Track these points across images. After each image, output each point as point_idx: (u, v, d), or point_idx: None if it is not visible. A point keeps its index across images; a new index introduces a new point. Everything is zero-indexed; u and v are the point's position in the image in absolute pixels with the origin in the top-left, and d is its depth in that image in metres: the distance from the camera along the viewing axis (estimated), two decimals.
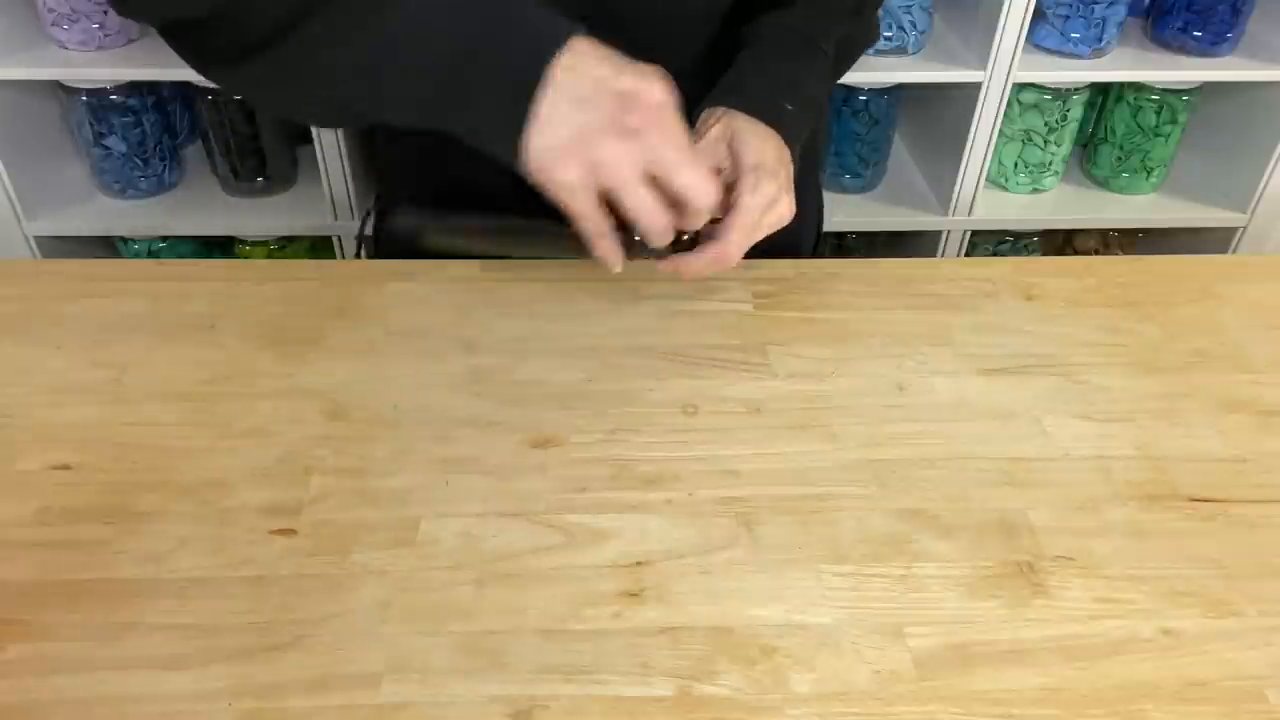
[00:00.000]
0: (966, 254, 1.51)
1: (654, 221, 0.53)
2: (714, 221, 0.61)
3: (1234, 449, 0.64)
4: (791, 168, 0.64)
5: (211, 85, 1.30)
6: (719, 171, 0.63)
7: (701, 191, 0.53)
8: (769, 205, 0.62)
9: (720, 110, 0.62)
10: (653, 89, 0.50)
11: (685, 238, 0.61)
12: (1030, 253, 1.58)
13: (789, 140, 0.64)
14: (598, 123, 0.50)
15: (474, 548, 0.56)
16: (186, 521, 0.57)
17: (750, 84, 0.64)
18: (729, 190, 0.62)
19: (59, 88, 1.35)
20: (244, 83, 0.55)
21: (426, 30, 0.49)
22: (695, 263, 0.62)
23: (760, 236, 0.62)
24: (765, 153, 0.62)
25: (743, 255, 0.62)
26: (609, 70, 0.50)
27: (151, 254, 1.47)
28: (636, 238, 0.58)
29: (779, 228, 0.63)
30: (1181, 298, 0.77)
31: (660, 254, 0.61)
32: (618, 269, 0.58)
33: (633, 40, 0.66)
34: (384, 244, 0.87)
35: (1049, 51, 1.35)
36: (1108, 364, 0.71)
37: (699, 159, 0.52)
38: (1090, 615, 0.54)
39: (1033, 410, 0.66)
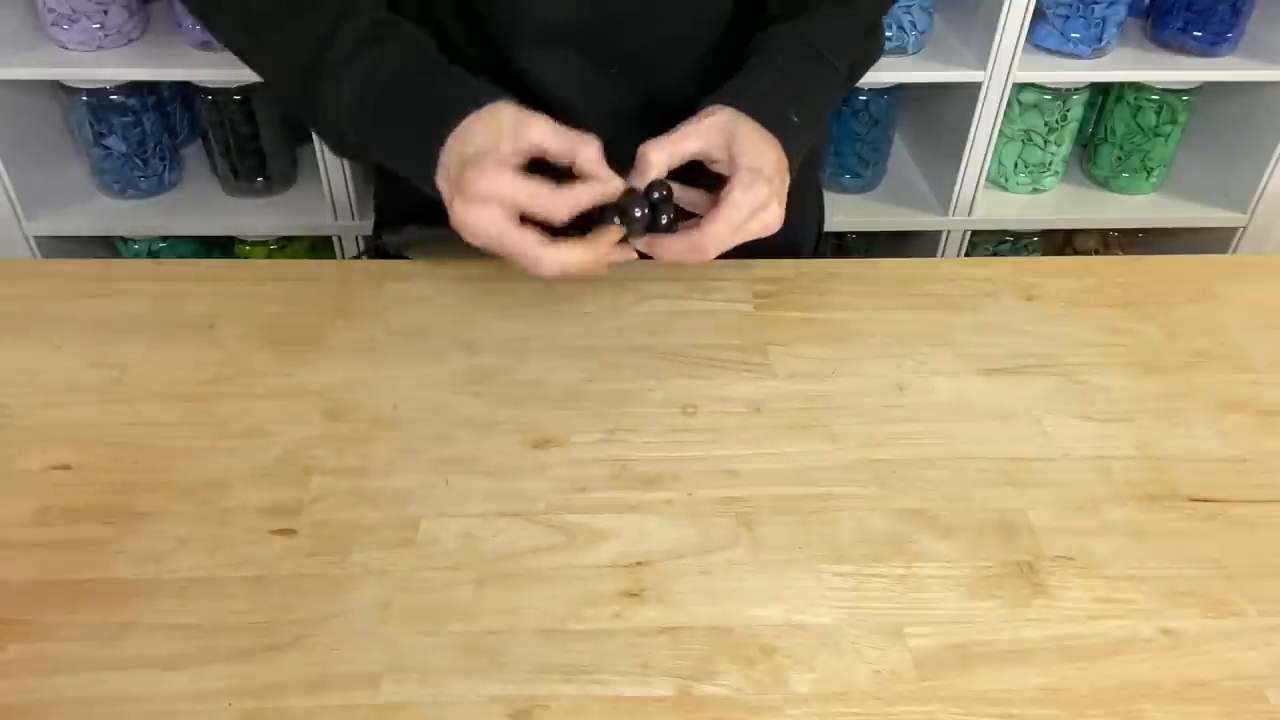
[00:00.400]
0: (966, 254, 1.51)
1: (536, 253, 0.57)
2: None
3: (1234, 449, 0.64)
4: (788, 178, 0.63)
5: (211, 85, 1.30)
6: (711, 161, 0.62)
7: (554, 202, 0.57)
8: (759, 208, 0.60)
9: (725, 108, 0.62)
10: (482, 179, 0.55)
11: (665, 221, 0.60)
12: (1030, 253, 1.58)
13: (790, 152, 0.63)
14: (449, 201, 0.57)
15: (474, 548, 0.56)
16: (186, 521, 0.57)
17: (758, 88, 0.64)
18: (721, 186, 0.61)
19: (59, 88, 1.35)
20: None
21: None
22: (671, 245, 0.60)
23: (743, 239, 0.61)
24: (764, 157, 0.61)
25: (720, 253, 0.61)
26: (453, 155, 0.57)
27: (151, 254, 1.47)
28: (615, 220, 0.58)
29: (765, 235, 0.62)
30: (1181, 298, 0.77)
31: (636, 232, 0.60)
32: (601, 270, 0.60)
33: (632, 55, 0.66)
34: (383, 256, 0.87)
35: (1049, 51, 1.35)
36: (1108, 364, 0.71)
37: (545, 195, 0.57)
38: (1090, 615, 0.54)
39: (1033, 410, 0.66)
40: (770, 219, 0.61)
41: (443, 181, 0.58)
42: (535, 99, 0.67)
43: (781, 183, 0.62)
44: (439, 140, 0.57)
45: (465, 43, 0.69)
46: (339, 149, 0.65)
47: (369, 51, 0.60)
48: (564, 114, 0.67)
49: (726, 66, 0.67)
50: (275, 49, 0.63)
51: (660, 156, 0.60)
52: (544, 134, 0.57)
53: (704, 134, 0.61)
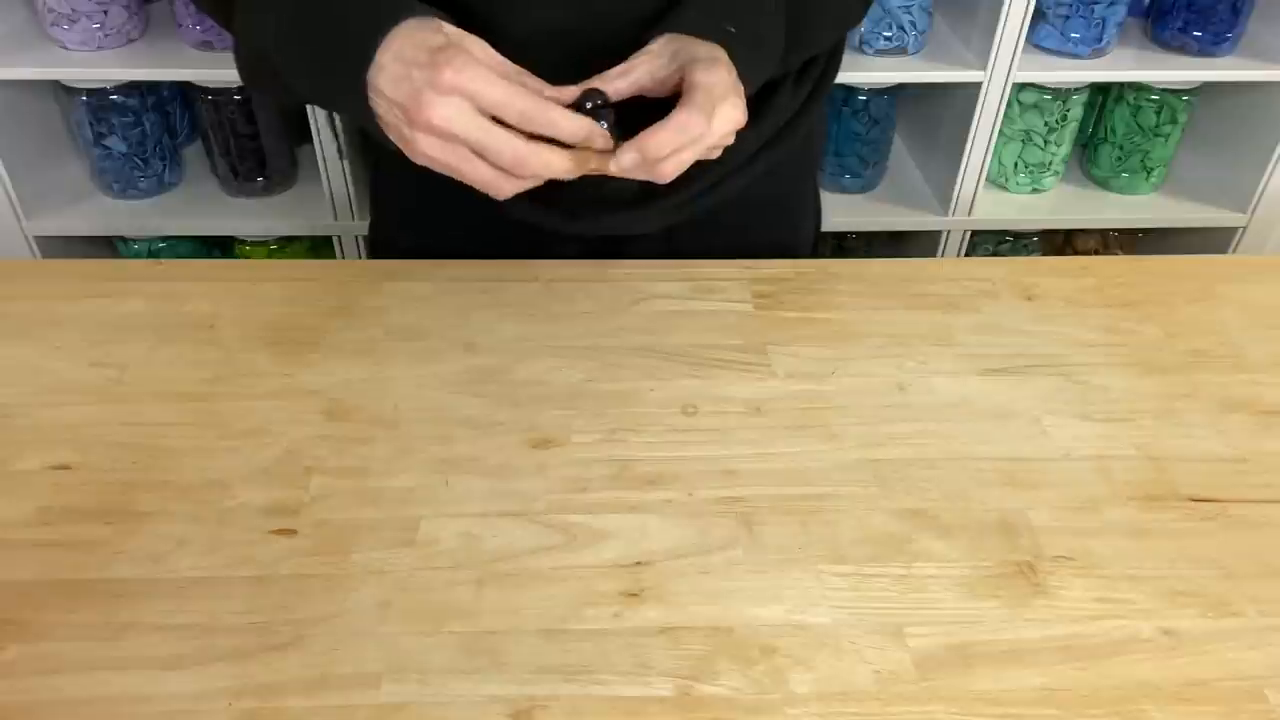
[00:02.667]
0: (966, 254, 1.51)
1: (516, 153, 0.52)
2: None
3: (1234, 449, 0.64)
4: (742, 89, 0.59)
5: (211, 85, 1.30)
6: (664, 85, 0.58)
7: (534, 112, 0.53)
8: (727, 92, 0.56)
9: (661, 35, 0.59)
10: (452, 57, 0.51)
11: (604, 126, 0.56)
12: (1030, 253, 1.58)
13: (737, 65, 0.59)
14: (414, 93, 0.51)
15: (474, 548, 0.56)
16: (186, 521, 0.57)
17: (687, 13, 0.60)
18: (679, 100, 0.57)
19: (59, 88, 1.35)
20: None
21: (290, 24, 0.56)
22: (660, 134, 0.55)
23: (714, 140, 0.56)
24: (717, 67, 0.57)
25: (675, 166, 0.56)
26: (418, 45, 0.52)
27: (151, 254, 1.47)
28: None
29: (732, 131, 0.58)
30: (1181, 298, 0.77)
31: (611, 149, 0.56)
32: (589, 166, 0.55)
33: (616, 56, 0.66)
34: (384, 242, 0.87)
35: (1049, 51, 1.35)
36: (1108, 364, 0.71)
37: (522, 93, 0.52)
38: (1090, 615, 0.54)
39: (1033, 410, 0.66)
40: (739, 115, 0.57)
41: (391, 83, 0.53)
42: (508, 35, 0.65)
43: (738, 92, 0.58)
44: (373, 45, 0.53)
45: None
46: (254, 76, 0.61)
47: None
48: (535, 54, 0.63)
49: None
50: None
51: (606, 86, 0.57)
52: (482, 53, 0.54)
53: (648, 58, 0.57)
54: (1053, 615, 0.54)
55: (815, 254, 0.93)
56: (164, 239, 1.46)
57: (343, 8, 0.55)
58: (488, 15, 0.64)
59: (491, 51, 0.55)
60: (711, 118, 0.55)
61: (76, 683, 0.49)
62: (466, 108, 0.51)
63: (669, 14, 0.62)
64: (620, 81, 0.57)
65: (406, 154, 0.54)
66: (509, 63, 0.55)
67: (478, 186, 0.54)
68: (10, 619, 0.52)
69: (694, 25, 0.59)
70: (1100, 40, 1.33)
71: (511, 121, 0.53)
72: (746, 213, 0.72)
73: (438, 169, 0.54)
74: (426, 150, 0.53)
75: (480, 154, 0.53)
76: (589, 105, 0.56)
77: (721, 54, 0.58)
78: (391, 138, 0.55)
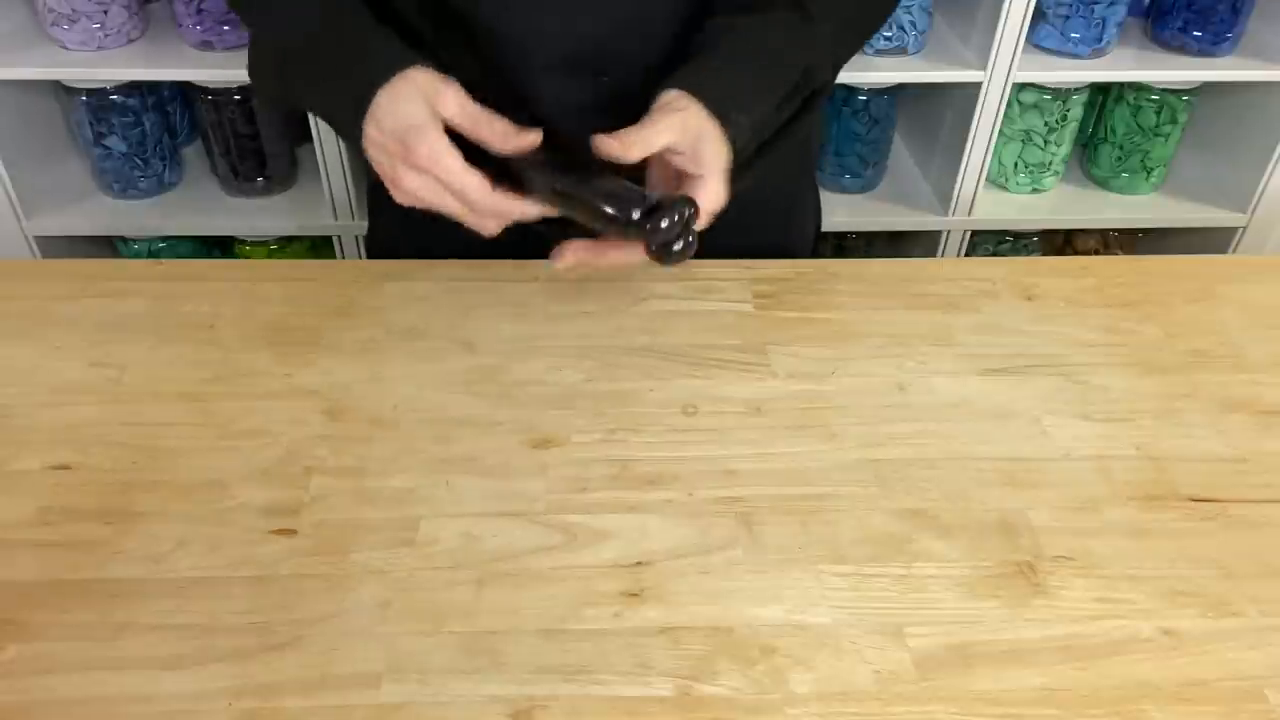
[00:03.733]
0: (966, 254, 1.51)
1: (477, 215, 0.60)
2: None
3: (1234, 449, 0.64)
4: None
5: (211, 85, 1.30)
6: (673, 154, 0.61)
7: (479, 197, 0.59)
8: (723, 172, 0.61)
9: (692, 102, 0.61)
10: (422, 142, 0.58)
11: (685, 243, 0.59)
12: (1030, 253, 1.58)
13: (733, 146, 0.62)
14: (390, 168, 0.60)
15: (474, 548, 0.56)
16: (185, 521, 0.57)
17: (721, 85, 0.62)
18: (664, 170, 0.62)
19: (59, 88, 1.35)
20: None
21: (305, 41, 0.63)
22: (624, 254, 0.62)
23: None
24: (721, 158, 0.61)
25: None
26: (397, 119, 0.59)
27: (151, 254, 1.47)
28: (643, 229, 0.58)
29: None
30: (1181, 298, 0.77)
31: (663, 251, 0.59)
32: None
33: (623, 64, 0.66)
34: (384, 242, 0.87)
35: (1049, 51, 1.35)
36: (1108, 364, 0.71)
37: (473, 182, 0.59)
38: (1090, 615, 0.54)
39: (1033, 410, 0.66)
40: (724, 194, 0.62)
41: (378, 151, 0.60)
42: (532, 114, 0.68)
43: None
44: (360, 120, 0.60)
45: (460, 59, 0.69)
46: (266, 92, 0.69)
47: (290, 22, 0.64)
48: (555, 124, 0.67)
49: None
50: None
51: (639, 153, 0.59)
52: (452, 112, 0.60)
53: (675, 129, 0.59)
54: (1053, 615, 0.54)
55: (815, 254, 0.93)
56: (164, 239, 1.46)
57: (336, 61, 0.62)
58: (496, 25, 0.64)
59: (463, 101, 0.60)
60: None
61: (75, 683, 0.49)
62: (434, 183, 0.59)
63: (704, 75, 0.63)
64: (646, 150, 0.59)
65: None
66: (476, 110, 0.61)
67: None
68: (9, 619, 0.52)
69: (718, 108, 0.61)
70: (1100, 40, 1.33)
71: (466, 205, 0.60)
72: (746, 213, 0.71)
73: (418, 203, 0.61)
74: (405, 200, 0.61)
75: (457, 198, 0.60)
76: (687, 213, 0.58)
77: (725, 153, 0.61)
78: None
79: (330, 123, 0.65)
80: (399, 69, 0.60)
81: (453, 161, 0.58)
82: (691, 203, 0.58)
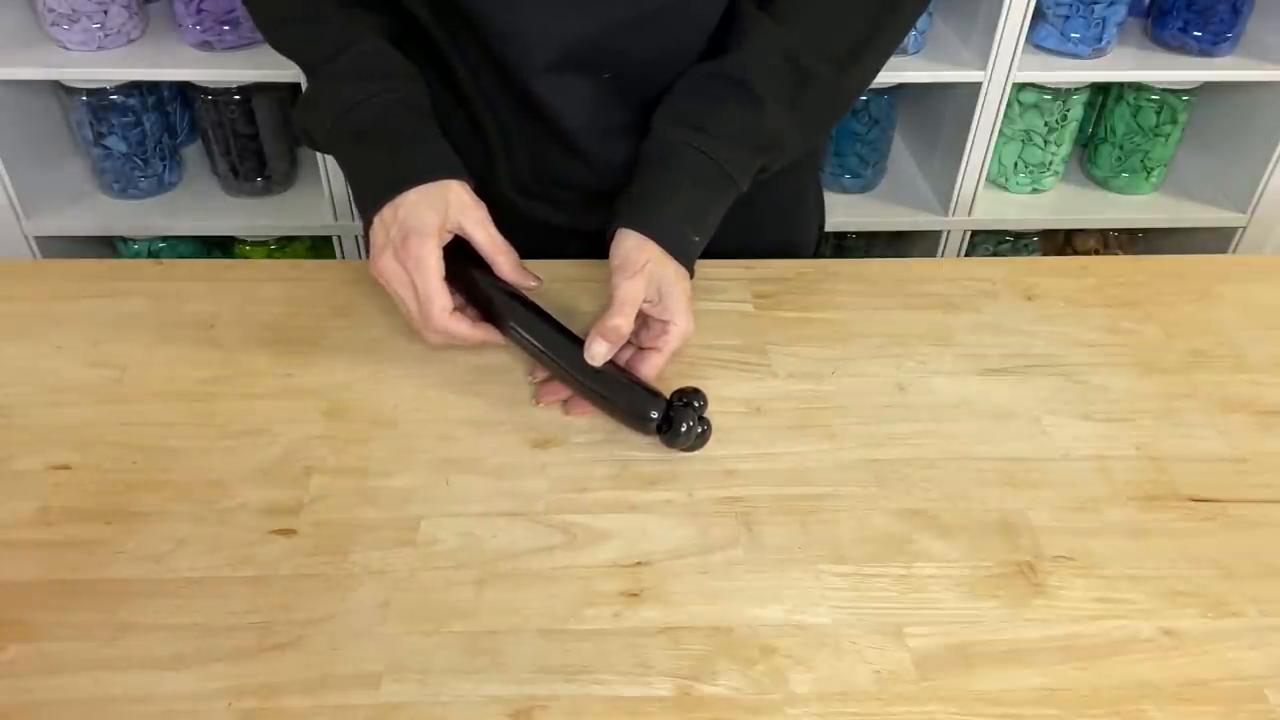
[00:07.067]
0: (966, 254, 1.51)
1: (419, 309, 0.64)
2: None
3: (1234, 449, 0.64)
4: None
5: (211, 85, 1.30)
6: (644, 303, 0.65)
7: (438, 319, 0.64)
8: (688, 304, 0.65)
9: (646, 244, 0.64)
10: (420, 245, 0.62)
11: (689, 428, 0.61)
12: (1030, 253, 1.58)
13: (686, 264, 0.66)
14: (385, 242, 0.63)
15: (474, 548, 0.56)
16: (186, 521, 0.57)
17: (666, 217, 0.65)
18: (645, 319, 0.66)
19: (59, 88, 1.35)
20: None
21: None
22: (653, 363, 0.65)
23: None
24: (684, 296, 0.65)
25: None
26: (411, 218, 0.63)
27: (151, 254, 1.47)
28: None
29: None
30: (1181, 298, 0.77)
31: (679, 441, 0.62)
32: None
33: (628, 63, 0.67)
34: None
35: (1049, 51, 1.35)
36: (1108, 364, 0.71)
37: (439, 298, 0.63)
38: (1090, 615, 0.54)
39: (1033, 410, 0.66)
40: (691, 327, 0.66)
41: (380, 227, 0.64)
42: (536, 111, 0.68)
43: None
44: (384, 199, 0.64)
45: (465, 56, 0.69)
46: (303, 136, 0.70)
47: (357, 83, 0.66)
48: (561, 124, 0.69)
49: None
50: (292, 41, 0.71)
51: (625, 334, 0.63)
52: (474, 230, 0.64)
53: (641, 290, 0.63)
54: (1053, 615, 0.54)
55: (817, 254, 0.93)
56: (164, 239, 1.46)
57: (391, 141, 0.66)
58: (502, 26, 0.64)
59: (488, 224, 0.65)
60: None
61: (76, 683, 0.49)
62: (406, 281, 0.63)
63: (648, 207, 0.66)
64: (631, 320, 0.63)
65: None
66: (498, 236, 0.66)
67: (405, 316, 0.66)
68: (10, 619, 0.52)
69: (670, 242, 0.65)
70: (1100, 40, 1.33)
71: (422, 313, 0.64)
72: (749, 214, 0.72)
73: (383, 284, 0.65)
74: (374, 272, 0.64)
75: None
76: (698, 405, 0.62)
77: (683, 282, 0.65)
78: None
79: (353, 182, 0.68)
80: (441, 175, 0.64)
81: (433, 275, 0.62)
82: (699, 395, 0.62)
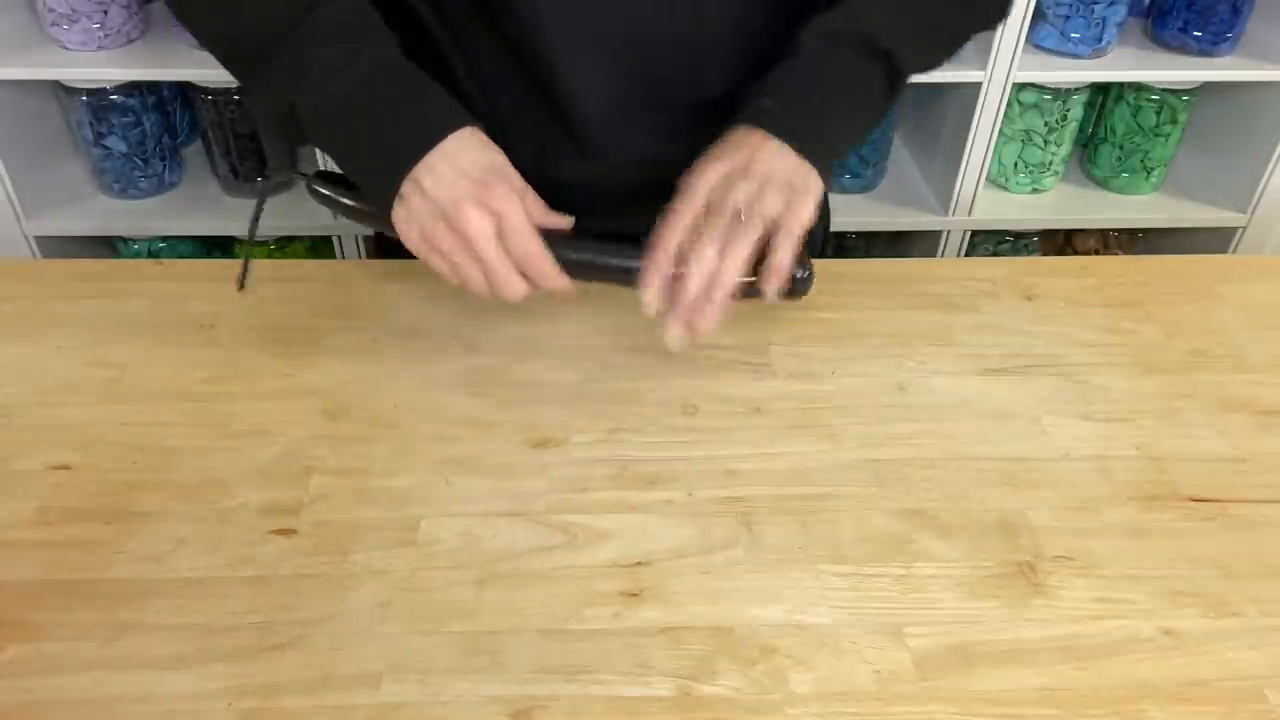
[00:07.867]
0: (966, 254, 1.51)
1: (508, 280, 0.59)
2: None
3: (1234, 449, 0.64)
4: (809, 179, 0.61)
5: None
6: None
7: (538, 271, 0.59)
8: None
9: (755, 136, 0.60)
10: (504, 181, 0.58)
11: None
12: (1030, 253, 1.58)
13: (816, 162, 0.61)
14: (454, 200, 0.57)
15: (474, 548, 0.56)
16: (186, 521, 0.57)
17: (786, 111, 0.62)
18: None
19: (59, 88, 1.35)
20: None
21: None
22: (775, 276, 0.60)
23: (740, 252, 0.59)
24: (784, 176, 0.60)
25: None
26: (473, 156, 0.58)
27: (151, 254, 1.47)
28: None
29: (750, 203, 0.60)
30: (1181, 298, 0.77)
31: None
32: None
33: (647, 46, 0.66)
34: (385, 242, 0.87)
35: (1049, 51, 1.35)
36: (1108, 364, 0.71)
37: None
38: (1090, 615, 0.54)
39: (1033, 410, 0.66)
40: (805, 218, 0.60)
41: (440, 187, 0.58)
42: (549, 94, 0.67)
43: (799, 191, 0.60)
44: (417, 154, 0.58)
45: (468, 43, 0.69)
46: (273, 117, 0.65)
47: (343, 42, 0.60)
48: (575, 105, 0.68)
49: (735, 62, 0.67)
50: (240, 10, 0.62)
51: (687, 210, 0.59)
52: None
53: (716, 171, 0.59)
54: (1053, 615, 0.54)
55: (820, 254, 0.93)
56: (164, 239, 1.46)
57: (399, 105, 0.60)
58: (520, 7, 0.64)
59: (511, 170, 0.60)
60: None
61: (76, 683, 0.49)
62: (491, 229, 0.57)
63: (767, 104, 0.62)
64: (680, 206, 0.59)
65: (409, 240, 0.60)
66: (539, 204, 0.61)
67: (469, 285, 0.60)
68: (10, 619, 0.52)
69: (786, 130, 0.60)
70: (1100, 40, 1.33)
71: (523, 254, 0.59)
72: None
73: (437, 262, 0.59)
74: (443, 245, 0.58)
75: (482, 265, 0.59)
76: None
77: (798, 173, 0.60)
78: (400, 218, 0.59)
79: (359, 151, 0.62)
80: (466, 122, 0.60)
81: (536, 205, 0.58)
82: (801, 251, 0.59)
